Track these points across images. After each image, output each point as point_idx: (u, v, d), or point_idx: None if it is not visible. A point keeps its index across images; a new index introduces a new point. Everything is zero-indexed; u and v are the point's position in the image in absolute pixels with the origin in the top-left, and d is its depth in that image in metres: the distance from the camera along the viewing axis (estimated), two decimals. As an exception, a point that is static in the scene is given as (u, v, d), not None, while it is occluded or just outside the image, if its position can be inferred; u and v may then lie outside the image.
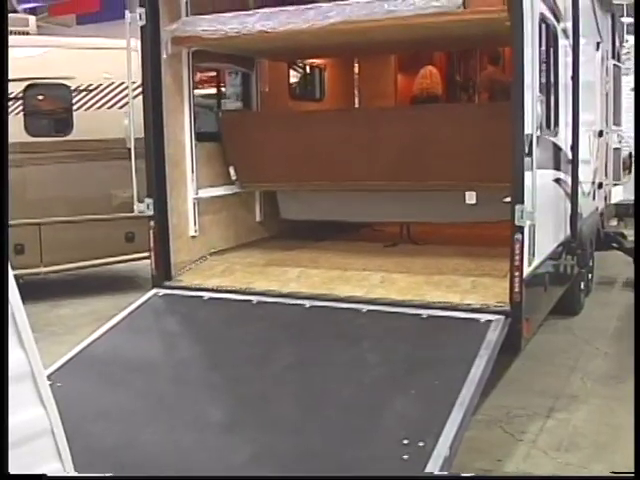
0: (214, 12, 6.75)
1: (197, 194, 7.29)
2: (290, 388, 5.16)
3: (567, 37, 7.17)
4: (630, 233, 11.18)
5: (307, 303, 6.16)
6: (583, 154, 7.81)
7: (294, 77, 10.18)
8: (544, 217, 6.20)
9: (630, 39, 15.55)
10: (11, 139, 7.30)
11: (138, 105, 6.84)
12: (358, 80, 11.02)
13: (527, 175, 5.50)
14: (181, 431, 4.75)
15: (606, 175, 10.41)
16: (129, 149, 6.92)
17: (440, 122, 7.14)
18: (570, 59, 7.24)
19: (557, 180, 7.07)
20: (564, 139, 7.21)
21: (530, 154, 5.52)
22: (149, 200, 6.76)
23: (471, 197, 6.99)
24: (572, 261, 7.53)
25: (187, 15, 6.95)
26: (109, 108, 10.04)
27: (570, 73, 7.24)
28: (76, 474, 3.03)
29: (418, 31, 6.62)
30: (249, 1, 7.79)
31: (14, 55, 8.24)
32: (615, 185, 10.99)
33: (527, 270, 5.70)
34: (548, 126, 6.62)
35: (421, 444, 4.22)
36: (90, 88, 10.00)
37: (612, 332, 8.16)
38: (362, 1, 6.14)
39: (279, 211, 8.55)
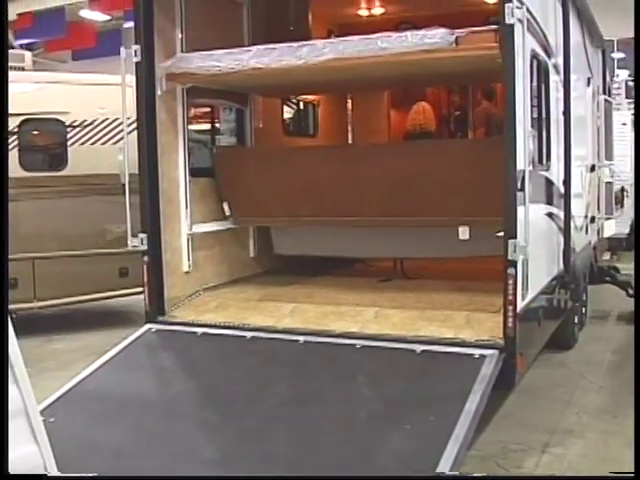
0: (209, 49, 6.80)
1: (191, 229, 7.28)
2: (285, 424, 5.13)
3: (558, 73, 7.25)
4: (623, 267, 11.22)
5: (302, 339, 6.14)
6: (575, 188, 7.84)
7: (288, 113, 10.25)
8: (537, 251, 6.21)
9: (620, 73, 15.74)
10: (6, 174, 7.30)
11: (133, 141, 6.86)
12: (351, 116, 11.10)
13: (520, 210, 5.53)
14: (174, 466, 4.71)
15: (598, 209, 10.46)
16: (123, 184, 6.93)
17: (432, 158, 7.17)
18: (561, 94, 7.33)
19: (550, 214, 7.10)
20: (556, 174, 7.25)
21: (522, 189, 5.55)
22: (143, 235, 6.75)
23: (464, 232, 7.01)
24: (565, 295, 7.54)
25: (182, 51, 7.01)
26: (103, 144, 10.05)
27: (562, 108, 7.31)
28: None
29: (411, 68, 6.69)
30: (243, 38, 7.87)
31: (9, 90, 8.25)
32: (607, 219, 11.01)
33: (521, 305, 5.71)
34: (540, 161, 6.66)
35: (416, 480, 4.20)
36: (85, 123, 10.03)
37: (607, 366, 8.12)
38: (355, 38, 6.22)
39: (273, 246, 8.56)
